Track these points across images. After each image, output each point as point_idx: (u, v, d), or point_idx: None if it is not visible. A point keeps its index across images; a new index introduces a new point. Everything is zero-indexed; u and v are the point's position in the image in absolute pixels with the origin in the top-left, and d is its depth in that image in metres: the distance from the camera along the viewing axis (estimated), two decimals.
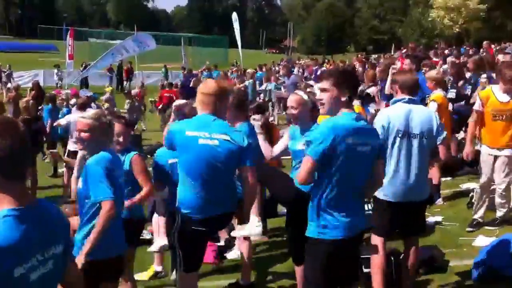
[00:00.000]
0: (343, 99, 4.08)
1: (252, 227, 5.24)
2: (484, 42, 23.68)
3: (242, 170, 4.60)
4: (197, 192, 4.47)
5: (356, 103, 7.28)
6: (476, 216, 7.33)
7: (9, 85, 21.48)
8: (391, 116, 5.08)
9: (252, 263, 6.38)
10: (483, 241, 6.71)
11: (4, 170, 2.24)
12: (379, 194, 5.00)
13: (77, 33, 41.73)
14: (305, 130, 5.02)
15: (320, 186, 4.04)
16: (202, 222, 4.50)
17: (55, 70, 33.27)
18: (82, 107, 11.08)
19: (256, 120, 6.20)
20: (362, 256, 5.72)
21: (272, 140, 6.35)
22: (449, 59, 16.95)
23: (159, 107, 19.26)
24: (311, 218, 4.12)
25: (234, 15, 38.31)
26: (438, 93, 8.28)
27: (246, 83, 19.08)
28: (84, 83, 30.72)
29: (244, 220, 4.95)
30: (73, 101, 14.50)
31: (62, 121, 11.30)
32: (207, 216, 4.51)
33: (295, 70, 23.26)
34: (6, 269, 2.13)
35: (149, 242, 7.27)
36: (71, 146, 10.33)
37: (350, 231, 4.08)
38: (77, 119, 4.86)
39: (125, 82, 34.62)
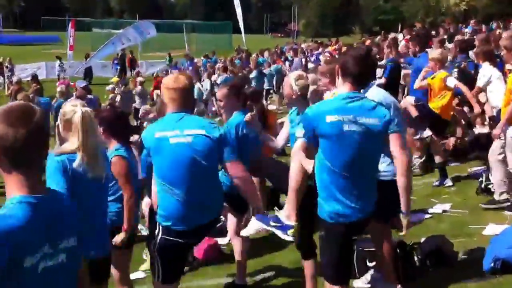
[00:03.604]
0: (339, 78, 4.04)
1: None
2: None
3: (225, 167, 4.30)
4: (178, 199, 4.12)
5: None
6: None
7: (13, 78, 21.23)
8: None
9: (246, 259, 6.05)
10: (494, 229, 6.46)
11: (17, 159, 2.19)
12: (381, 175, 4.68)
13: (80, 24, 41.54)
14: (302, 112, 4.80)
15: (323, 170, 3.90)
16: (186, 234, 4.19)
17: (57, 62, 32.99)
18: (79, 99, 10.82)
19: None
20: (366, 249, 5.54)
21: (266, 126, 6.12)
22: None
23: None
24: (321, 202, 3.98)
25: (237, 0, 37.90)
26: (442, 73, 8.15)
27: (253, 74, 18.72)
28: (89, 74, 30.50)
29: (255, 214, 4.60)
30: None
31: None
32: (192, 227, 4.18)
33: (298, 54, 22.89)
34: (19, 256, 2.04)
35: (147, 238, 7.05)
36: None
37: (360, 213, 3.94)
38: None
39: (128, 72, 34.31)
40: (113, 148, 4.91)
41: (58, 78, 29.73)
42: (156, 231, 4.30)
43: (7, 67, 30.39)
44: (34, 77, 17.89)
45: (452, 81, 7.95)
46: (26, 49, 52.67)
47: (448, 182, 8.49)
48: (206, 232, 4.64)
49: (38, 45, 58.57)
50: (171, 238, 4.18)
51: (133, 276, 6.57)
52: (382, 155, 4.26)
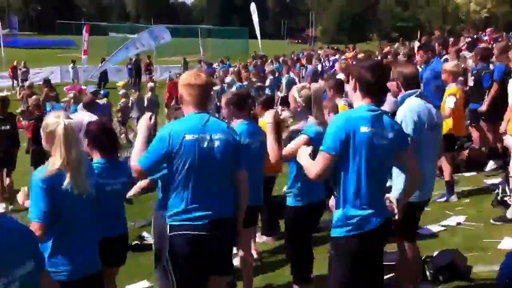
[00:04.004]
0: (356, 92, 3.94)
1: None
2: None
3: (236, 174, 4.23)
4: (193, 202, 4.03)
5: (341, 102, 7.05)
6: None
7: (26, 82, 21.35)
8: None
9: (252, 276, 5.93)
10: (509, 243, 6.29)
11: None
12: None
13: (96, 28, 41.69)
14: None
15: (342, 181, 3.81)
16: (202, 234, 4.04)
17: (70, 66, 33.14)
18: (88, 104, 10.71)
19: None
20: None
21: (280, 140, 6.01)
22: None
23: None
24: (337, 216, 3.87)
25: (253, 6, 37.89)
26: (453, 86, 8.03)
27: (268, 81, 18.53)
28: (104, 79, 30.59)
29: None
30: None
31: None
32: (207, 221, 4.05)
33: (313, 61, 22.67)
34: None
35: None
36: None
37: (373, 224, 3.84)
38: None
39: (144, 77, 34.37)
40: (94, 160, 4.78)
41: (73, 81, 29.92)
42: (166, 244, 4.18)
43: (20, 69, 30.61)
44: (46, 81, 17.86)
45: (450, 103, 7.76)
46: (41, 53, 53.17)
47: (454, 199, 8.21)
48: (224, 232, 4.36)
49: (54, 49, 59.05)
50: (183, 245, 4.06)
51: (138, 285, 6.45)
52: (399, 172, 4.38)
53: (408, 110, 4.77)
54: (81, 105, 11.45)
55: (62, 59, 44.18)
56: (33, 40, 73.22)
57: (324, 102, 5.52)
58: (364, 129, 3.73)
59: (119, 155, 5.05)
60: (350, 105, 6.69)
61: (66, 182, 3.71)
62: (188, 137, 3.98)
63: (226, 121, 5.54)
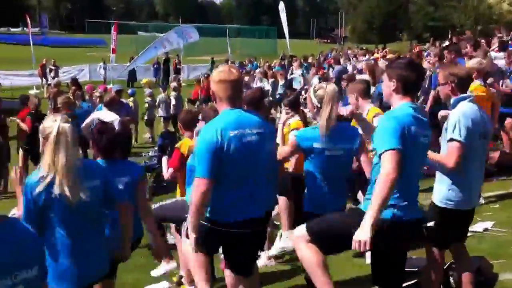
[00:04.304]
0: (397, 92, 4.03)
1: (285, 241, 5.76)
2: None
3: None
4: (240, 195, 4.10)
5: (370, 105, 6.75)
6: None
7: (53, 81, 21.48)
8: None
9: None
10: None
11: None
12: (443, 203, 4.62)
13: (125, 27, 41.93)
14: None
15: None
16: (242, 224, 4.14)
17: (100, 64, 33.40)
18: (110, 103, 10.70)
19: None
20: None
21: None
22: None
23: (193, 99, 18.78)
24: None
25: (281, 5, 37.67)
26: (476, 84, 7.80)
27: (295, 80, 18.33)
28: (133, 78, 30.79)
29: None
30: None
31: (87, 120, 10.64)
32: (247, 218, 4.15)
33: (341, 61, 22.47)
34: None
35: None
36: None
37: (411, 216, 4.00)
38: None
39: (171, 76, 34.53)
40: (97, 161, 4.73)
41: (104, 81, 30.14)
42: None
43: (50, 69, 30.92)
44: (74, 80, 17.94)
45: None
46: (71, 52, 53.75)
47: (481, 201, 7.94)
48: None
49: (83, 48, 59.70)
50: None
51: (156, 286, 6.37)
52: (447, 179, 4.51)
53: (462, 115, 4.58)
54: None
55: (91, 57, 44.65)
56: (63, 39, 74.26)
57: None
58: (413, 128, 3.85)
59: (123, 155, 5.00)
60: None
61: (55, 188, 3.62)
62: (233, 132, 4.01)
63: None
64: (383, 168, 3.71)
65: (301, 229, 4.32)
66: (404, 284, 5.22)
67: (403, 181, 3.79)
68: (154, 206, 6.14)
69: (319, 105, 4.81)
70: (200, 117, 6.02)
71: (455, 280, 5.35)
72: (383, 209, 3.69)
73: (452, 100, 4.83)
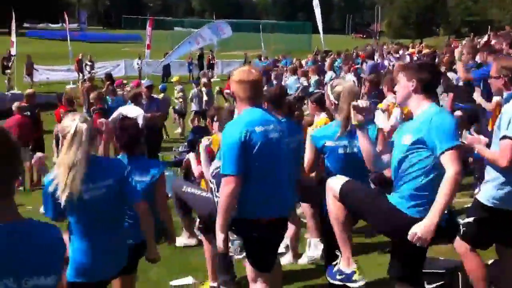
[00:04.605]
0: (417, 93, 3.92)
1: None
2: None
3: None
4: (265, 191, 4.10)
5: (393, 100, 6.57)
6: None
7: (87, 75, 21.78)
8: None
9: None
10: None
11: None
12: (490, 202, 4.50)
13: (161, 23, 42.14)
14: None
15: (423, 170, 3.79)
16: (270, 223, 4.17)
17: (136, 60, 33.70)
18: (134, 98, 10.76)
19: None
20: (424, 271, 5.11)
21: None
22: None
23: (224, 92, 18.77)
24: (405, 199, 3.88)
25: (316, 0, 37.45)
26: None
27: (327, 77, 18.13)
28: (167, 73, 31.01)
29: None
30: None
31: (114, 115, 10.47)
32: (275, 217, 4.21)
33: (376, 56, 22.13)
34: None
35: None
36: None
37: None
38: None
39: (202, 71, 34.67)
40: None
41: (139, 76, 30.42)
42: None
43: (86, 64, 31.31)
44: (108, 76, 18.07)
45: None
46: (107, 47, 54.26)
47: None
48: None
49: (120, 43, 60.27)
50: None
51: (180, 282, 6.38)
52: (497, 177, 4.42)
53: None
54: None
55: (127, 53, 45.03)
56: (100, 35, 75.18)
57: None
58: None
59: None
60: None
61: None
62: (258, 129, 4.04)
63: None
64: (450, 168, 3.57)
65: (337, 185, 4.19)
66: (431, 286, 5.14)
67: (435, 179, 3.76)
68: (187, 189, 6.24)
69: (336, 102, 4.69)
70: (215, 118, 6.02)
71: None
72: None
73: (505, 95, 4.70)
